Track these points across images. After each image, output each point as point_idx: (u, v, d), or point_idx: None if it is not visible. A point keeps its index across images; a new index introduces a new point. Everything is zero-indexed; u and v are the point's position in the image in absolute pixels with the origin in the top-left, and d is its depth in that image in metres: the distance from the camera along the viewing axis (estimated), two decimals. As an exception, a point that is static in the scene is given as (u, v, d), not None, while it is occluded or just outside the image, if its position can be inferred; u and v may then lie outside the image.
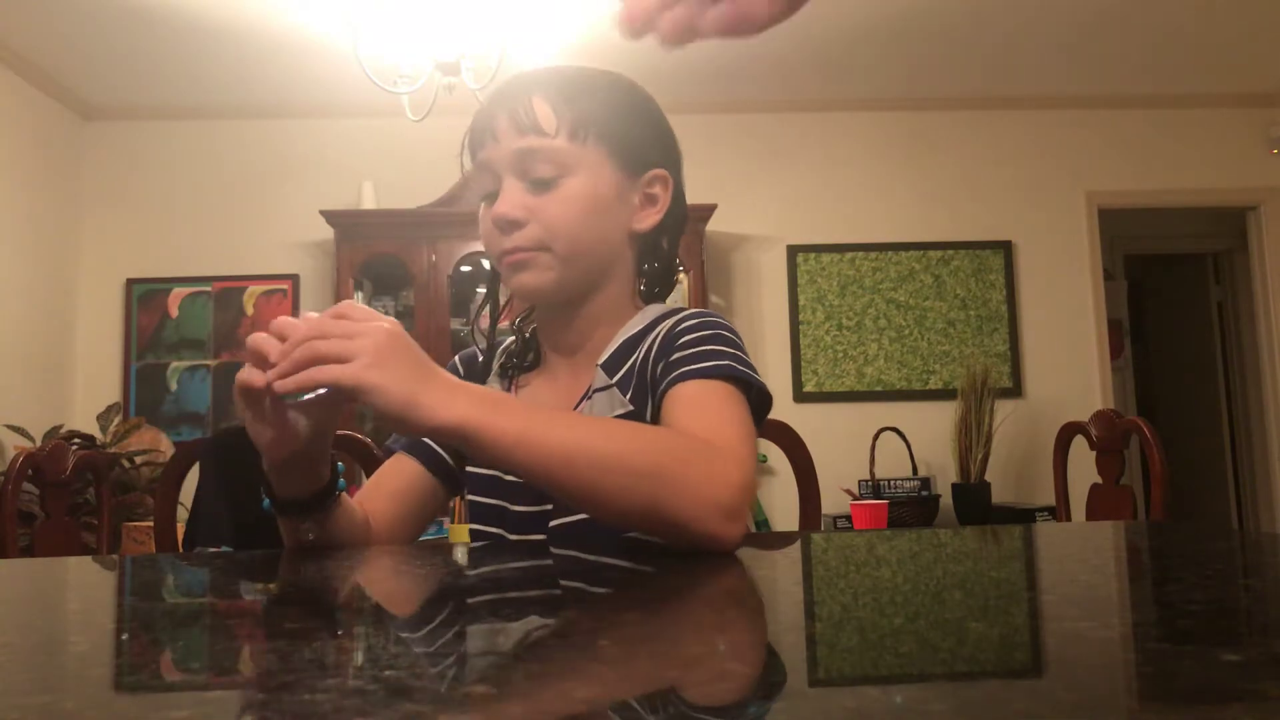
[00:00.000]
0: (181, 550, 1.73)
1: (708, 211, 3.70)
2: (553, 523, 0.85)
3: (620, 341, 0.88)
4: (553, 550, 0.78)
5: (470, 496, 0.91)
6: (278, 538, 0.84)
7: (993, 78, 3.99)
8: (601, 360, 0.87)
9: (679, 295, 3.63)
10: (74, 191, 3.91)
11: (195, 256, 3.94)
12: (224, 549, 1.57)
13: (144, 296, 3.92)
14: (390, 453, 0.95)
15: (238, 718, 0.29)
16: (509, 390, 0.93)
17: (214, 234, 3.95)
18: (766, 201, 4.10)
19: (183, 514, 1.77)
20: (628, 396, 0.84)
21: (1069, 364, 4.18)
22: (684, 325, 0.83)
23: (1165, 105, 4.20)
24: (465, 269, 3.79)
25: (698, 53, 3.54)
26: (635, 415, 0.84)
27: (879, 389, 4.11)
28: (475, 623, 0.47)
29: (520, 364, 0.95)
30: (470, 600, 0.56)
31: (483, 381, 0.94)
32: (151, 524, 1.91)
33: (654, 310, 0.91)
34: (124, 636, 0.45)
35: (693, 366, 0.78)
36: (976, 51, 3.75)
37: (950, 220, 4.18)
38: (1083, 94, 4.15)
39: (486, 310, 0.95)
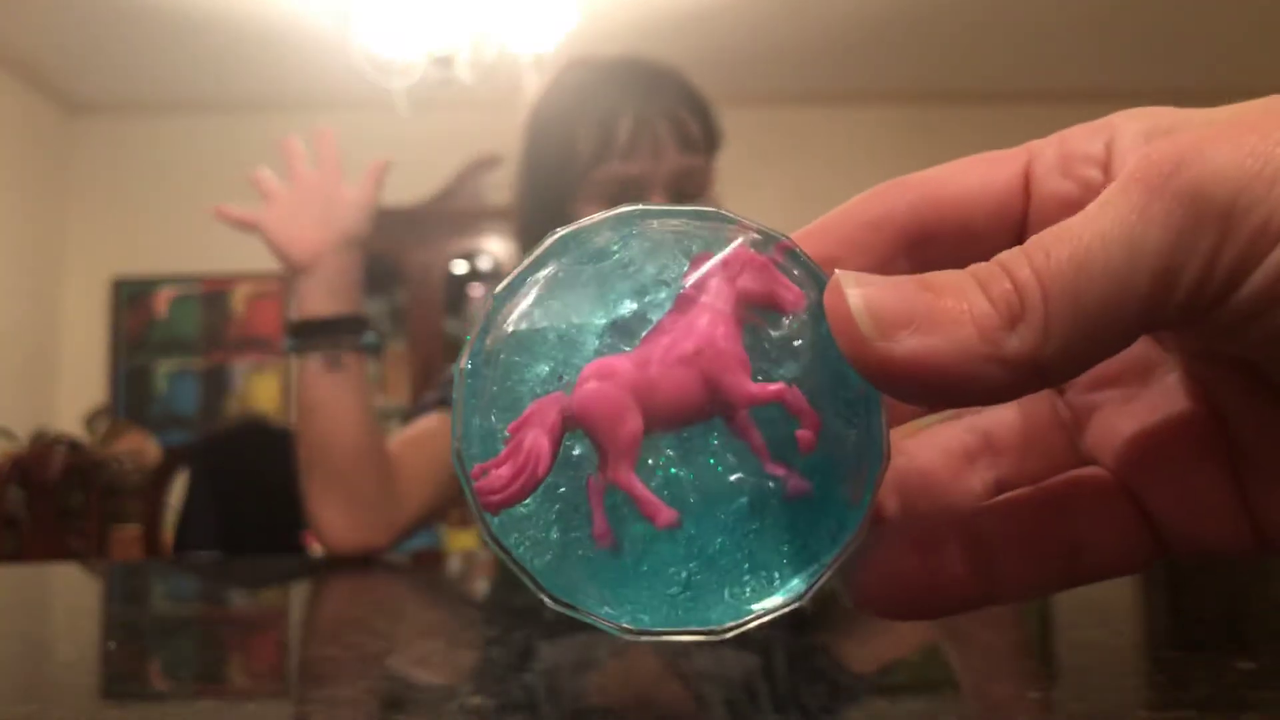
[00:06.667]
0: (171, 554, 1.71)
1: (708, 209, 3.68)
2: None
3: None
4: None
5: None
6: (268, 543, 0.83)
7: (1005, 70, 3.99)
8: None
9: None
10: (58, 188, 3.87)
11: (183, 254, 3.91)
12: (214, 553, 1.55)
13: (132, 297, 3.90)
14: (424, 410, 0.85)
15: None
16: None
17: (203, 231, 3.88)
18: (772, 198, 4.07)
19: (173, 518, 1.75)
20: None
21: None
22: None
23: (1178, 99, 4.18)
24: (459, 269, 3.78)
25: (699, 44, 3.53)
26: None
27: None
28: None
29: None
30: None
31: None
32: (140, 528, 1.89)
33: None
34: (111, 645, 0.44)
35: None
36: (988, 44, 3.74)
37: (954, 218, 4.17)
38: (1095, 86, 4.14)
39: None
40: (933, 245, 0.16)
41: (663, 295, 0.15)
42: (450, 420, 0.16)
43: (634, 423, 0.15)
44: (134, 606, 0.60)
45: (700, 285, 0.15)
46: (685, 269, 0.15)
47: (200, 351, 3.90)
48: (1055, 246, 0.13)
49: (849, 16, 3.48)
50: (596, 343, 0.15)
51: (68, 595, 0.66)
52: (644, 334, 0.15)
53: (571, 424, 0.15)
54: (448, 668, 0.36)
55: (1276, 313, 0.13)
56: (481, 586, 0.67)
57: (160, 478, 1.62)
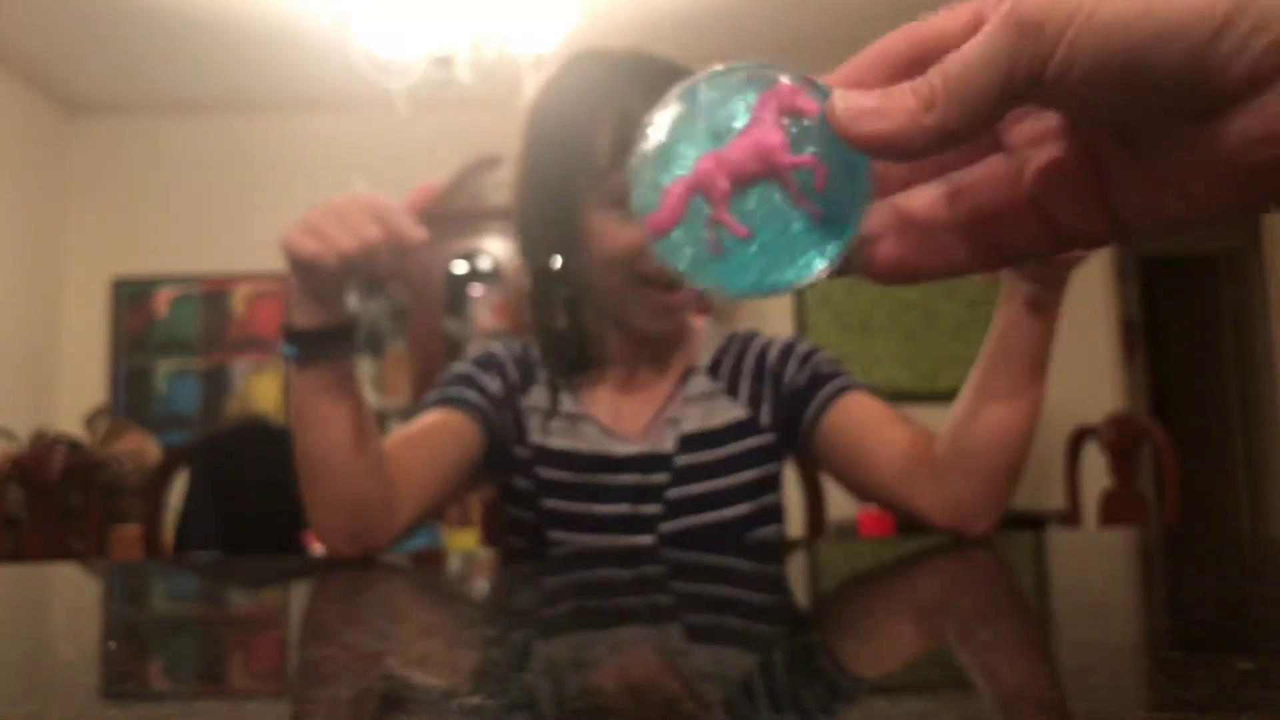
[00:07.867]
0: (171, 554, 1.71)
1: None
2: (666, 527, 0.79)
3: (715, 349, 0.87)
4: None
5: (548, 501, 0.82)
6: (268, 543, 0.83)
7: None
8: (704, 364, 0.87)
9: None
10: (59, 188, 3.87)
11: (183, 254, 3.91)
12: (214, 553, 1.56)
13: (132, 297, 3.90)
14: (425, 407, 0.84)
15: None
16: (557, 400, 0.85)
17: (203, 231, 3.92)
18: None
19: (174, 518, 1.75)
20: (740, 400, 0.86)
21: (1080, 365, 4.16)
22: (806, 345, 0.89)
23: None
24: (459, 269, 3.78)
25: (699, 44, 3.54)
26: (750, 421, 0.85)
27: (886, 391, 4.07)
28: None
29: (575, 372, 0.86)
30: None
31: (526, 390, 0.86)
32: (140, 528, 1.89)
33: (704, 319, 0.91)
34: (111, 645, 0.44)
35: (851, 379, 0.85)
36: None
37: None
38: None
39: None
40: (922, 67, 0.25)
41: (741, 116, 0.26)
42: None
43: (724, 184, 0.26)
44: (134, 606, 0.60)
45: (760, 107, 0.26)
46: (754, 100, 0.26)
47: (200, 351, 3.90)
48: (953, 60, 0.23)
49: (849, 17, 3.48)
50: (707, 145, 0.26)
51: (68, 595, 0.66)
52: (730, 139, 0.26)
53: (695, 184, 0.27)
54: (448, 668, 0.36)
55: (1076, 90, 0.22)
56: (481, 586, 0.67)
57: (160, 478, 1.62)
